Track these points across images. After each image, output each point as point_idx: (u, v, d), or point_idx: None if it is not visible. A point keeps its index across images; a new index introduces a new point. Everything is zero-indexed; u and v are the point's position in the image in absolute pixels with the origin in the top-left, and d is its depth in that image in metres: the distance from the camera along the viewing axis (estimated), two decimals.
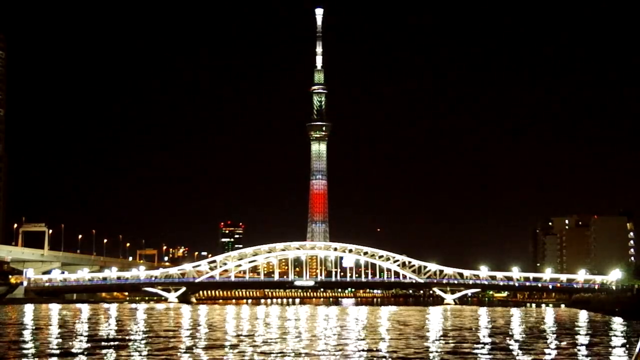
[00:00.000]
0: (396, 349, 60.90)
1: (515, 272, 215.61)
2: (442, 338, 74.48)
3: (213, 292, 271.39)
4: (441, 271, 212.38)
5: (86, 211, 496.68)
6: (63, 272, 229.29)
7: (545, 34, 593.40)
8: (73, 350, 59.06)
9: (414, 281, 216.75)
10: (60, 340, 69.67)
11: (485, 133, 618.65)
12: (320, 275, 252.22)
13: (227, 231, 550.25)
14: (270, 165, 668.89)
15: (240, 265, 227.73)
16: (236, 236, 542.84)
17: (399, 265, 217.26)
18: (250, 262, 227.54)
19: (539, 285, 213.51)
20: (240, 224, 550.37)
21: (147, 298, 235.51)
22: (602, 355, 58.22)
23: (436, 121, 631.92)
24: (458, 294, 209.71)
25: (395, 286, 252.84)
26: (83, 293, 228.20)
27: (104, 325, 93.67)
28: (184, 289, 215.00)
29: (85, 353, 57.66)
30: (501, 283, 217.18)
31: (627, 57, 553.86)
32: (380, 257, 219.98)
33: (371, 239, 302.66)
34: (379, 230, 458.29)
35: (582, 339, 74.47)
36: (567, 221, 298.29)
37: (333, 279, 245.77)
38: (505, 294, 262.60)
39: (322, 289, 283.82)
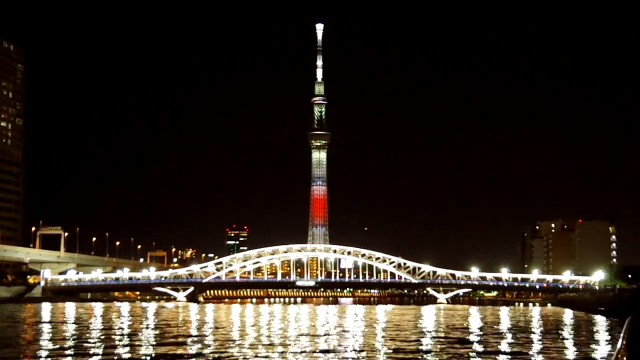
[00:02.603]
0: (391, 345, 61.02)
1: (505, 273, 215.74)
2: (434, 335, 74.64)
3: (219, 291, 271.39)
4: (434, 272, 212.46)
5: (100, 215, 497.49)
6: (78, 273, 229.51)
7: (536, 37, 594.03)
8: (88, 346, 59.26)
9: (408, 281, 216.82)
10: (75, 336, 69.88)
11: (477, 141, 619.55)
12: (321, 275, 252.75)
13: (232, 234, 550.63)
14: (273, 172, 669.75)
15: (245, 267, 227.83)
16: (241, 239, 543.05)
17: (394, 267, 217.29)
18: (254, 263, 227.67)
19: (527, 285, 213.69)
20: (245, 227, 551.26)
21: (157, 297, 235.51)
22: (586, 352, 58.37)
23: (429, 131, 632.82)
24: (450, 294, 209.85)
25: (391, 286, 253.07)
26: (97, 292, 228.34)
27: (116, 323, 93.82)
28: (192, 288, 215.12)
29: (100, 348, 57.85)
30: (491, 283, 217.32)
31: (619, 62, 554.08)
32: (377, 259, 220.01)
33: (369, 241, 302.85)
34: (365, 229, 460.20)
35: (567, 336, 74.65)
36: (553, 225, 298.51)
37: (332, 279, 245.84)
38: (494, 293, 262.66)
39: (322, 289, 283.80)
